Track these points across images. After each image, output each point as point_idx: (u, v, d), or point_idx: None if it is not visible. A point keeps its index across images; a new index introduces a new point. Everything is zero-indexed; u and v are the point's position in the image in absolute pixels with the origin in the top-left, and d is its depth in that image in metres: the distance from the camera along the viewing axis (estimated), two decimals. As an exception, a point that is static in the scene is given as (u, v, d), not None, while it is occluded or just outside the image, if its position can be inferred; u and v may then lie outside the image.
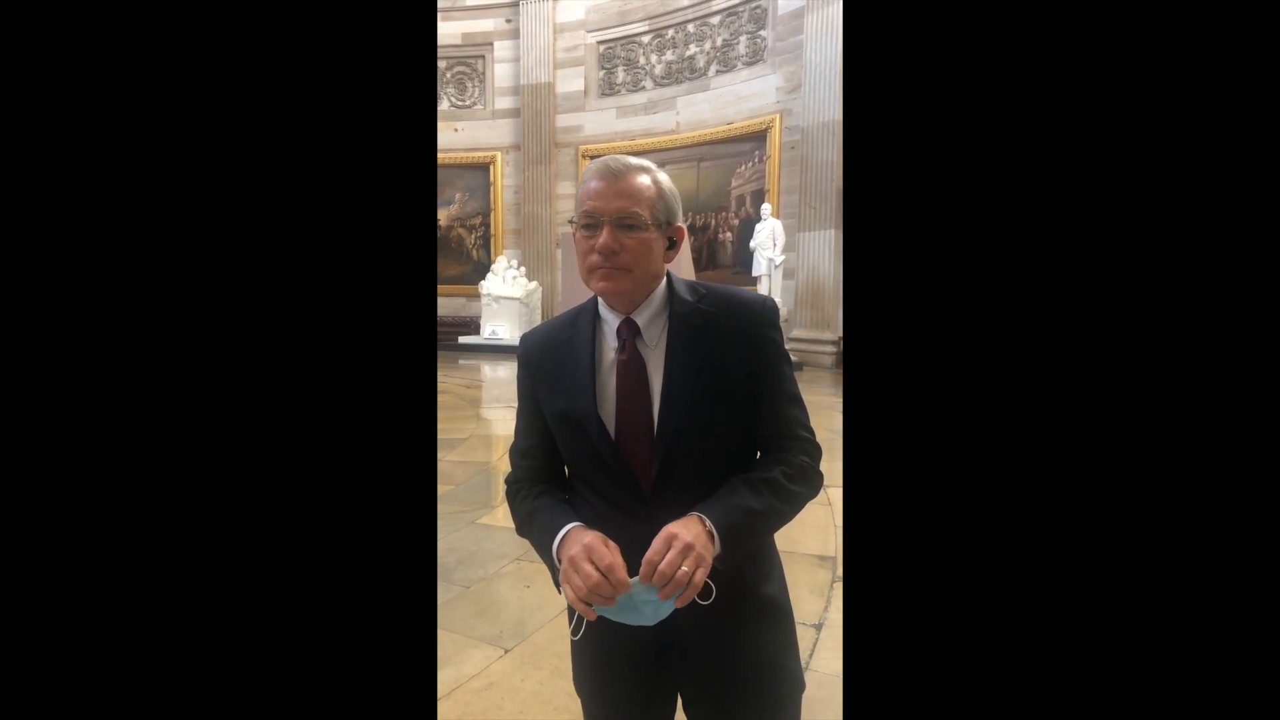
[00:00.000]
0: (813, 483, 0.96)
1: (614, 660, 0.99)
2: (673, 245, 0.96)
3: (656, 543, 0.84)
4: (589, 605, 0.84)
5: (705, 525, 0.86)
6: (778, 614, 1.02)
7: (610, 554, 0.86)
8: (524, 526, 1.02)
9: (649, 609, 0.85)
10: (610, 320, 0.98)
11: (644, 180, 0.93)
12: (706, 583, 0.86)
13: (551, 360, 1.01)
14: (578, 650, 1.06)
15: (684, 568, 0.81)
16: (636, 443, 0.94)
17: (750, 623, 0.98)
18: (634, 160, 0.94)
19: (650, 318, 0.96)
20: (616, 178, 0.92)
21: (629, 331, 0.96)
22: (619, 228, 0.91)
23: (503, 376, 9.34)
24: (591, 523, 0.94)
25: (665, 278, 0.99)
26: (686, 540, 0.83)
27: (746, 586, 0.97)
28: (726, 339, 0.94)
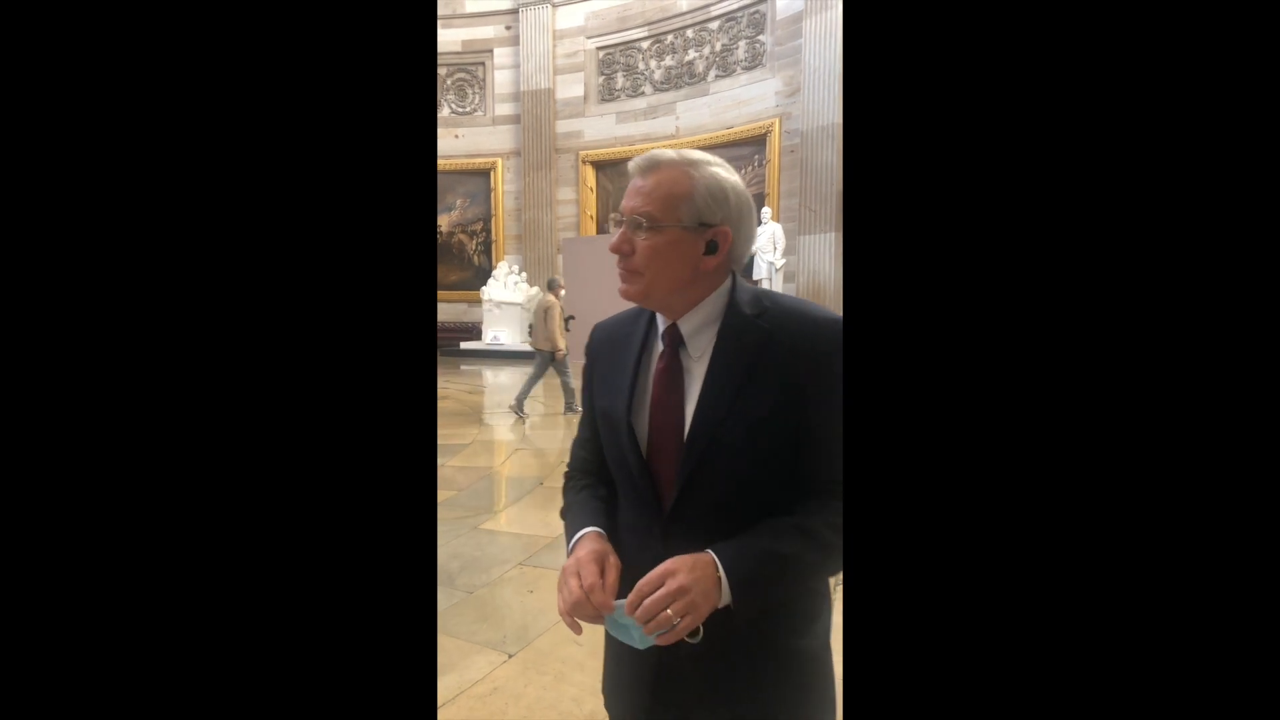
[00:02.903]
0: None
1: (623, 670, 0.97)
2: (713, 249, 0.86)
3: (653, 574, 0.78)
4: (574, 618, 0.82)
5: (716, 569, 0.79)
6: (809, 674, 0.89)
7: (593, 574, 0.82)
8: (564, 518, 1.00)
9: (636, 633, 0.80)
10: (660, 324, 0.92)
11: (673, 176, 0.85)
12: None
13: (609, 353, 0.97)
14: (605, 651, 1.04)
15: (669, 610, 0.76)
16: (664, 458, 0.88)
17: (767, 676, 0.87)
18: (675, 155, 0.87)
19: (697, 327, 0.88)
20: (644, 174, 0.86)
21: (671, 339, 0.89)
22: (632, 228, 0.86)
23: (504, 382, 9.34)
24: (619, 529, 0.91)
25: (729, 284, 0.90)
26: (682, 583, 0.77)
27: (768, 635, 0.87)
28: (781, 363, 0.84)
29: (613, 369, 0.95)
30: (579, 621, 0.84)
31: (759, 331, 0.86)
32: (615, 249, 0.87)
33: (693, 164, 0.86)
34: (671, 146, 11.52)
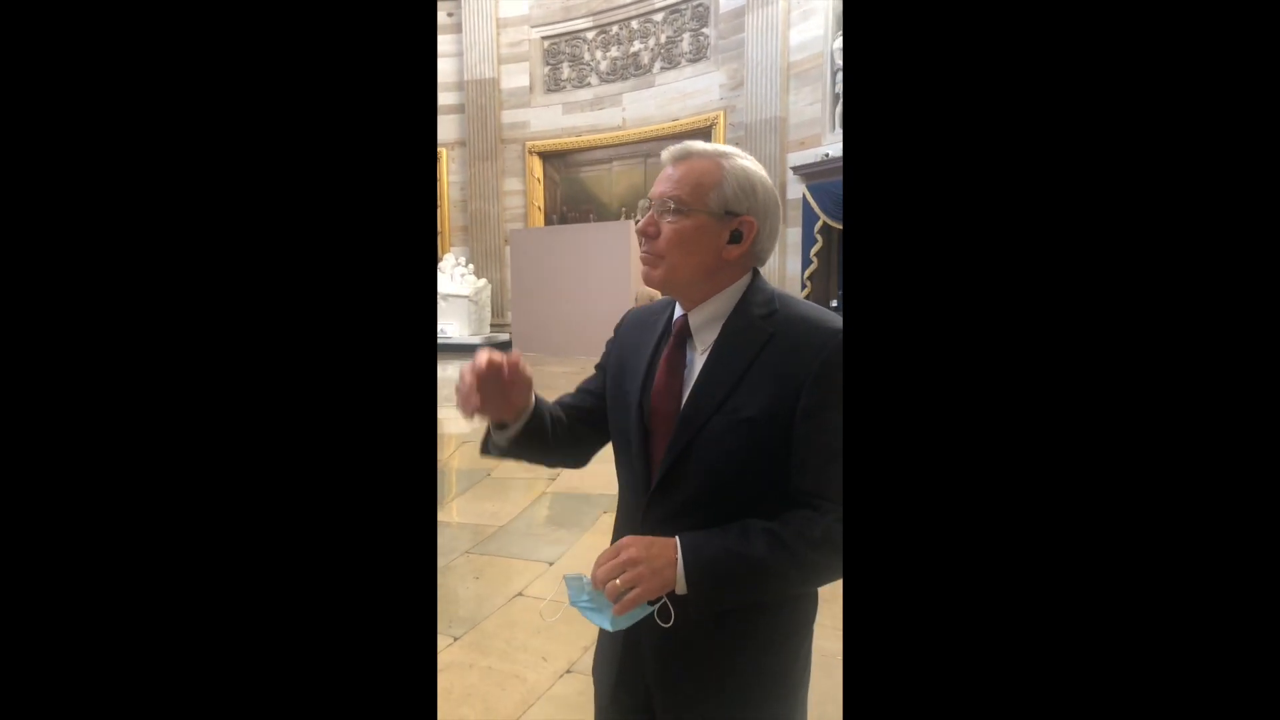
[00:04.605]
0: (837, 555, 0.81)
1: (601, 646, 1.03)
2: (737, 238, 0.89)
3: (613, 548, 0.84)
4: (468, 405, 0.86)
5: (675, 553, 0.82)
6: (767, 694, 0.90)
7: (483, 357, 0.84)
8: None
9: (609, 613, 0.82)
10: (678, 313, 0.95)
11: (704, 165, 0.88)
12: (666, 604, 0.82)
13: (633, 336, 1.01)
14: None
15: (616, 581, 0.80)
16: (658, 441, 0.92)
17: (717, 687, 0.89)
18: (708, 146, 0.91)
19: (705, 321, 0.91)
20: (674, 162, 0.90)
21: (680, 330, 0.93)
22: (659, 212, 0.89)
23: (451, 376, 9.17)
24: (619, 506, 0.98)
25: (747, 280, 0.92)
26: (632, 555, 0.81)
27: (727, 647, 0.89)
28: (778, 368, 0.84)
29: (633, 352, 0.99)
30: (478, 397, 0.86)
31: (761, 333, 0.87)
32: (642, 231, 0.90)
33: (724, 155, 0.89)
34: (619, 138, 11.35)
